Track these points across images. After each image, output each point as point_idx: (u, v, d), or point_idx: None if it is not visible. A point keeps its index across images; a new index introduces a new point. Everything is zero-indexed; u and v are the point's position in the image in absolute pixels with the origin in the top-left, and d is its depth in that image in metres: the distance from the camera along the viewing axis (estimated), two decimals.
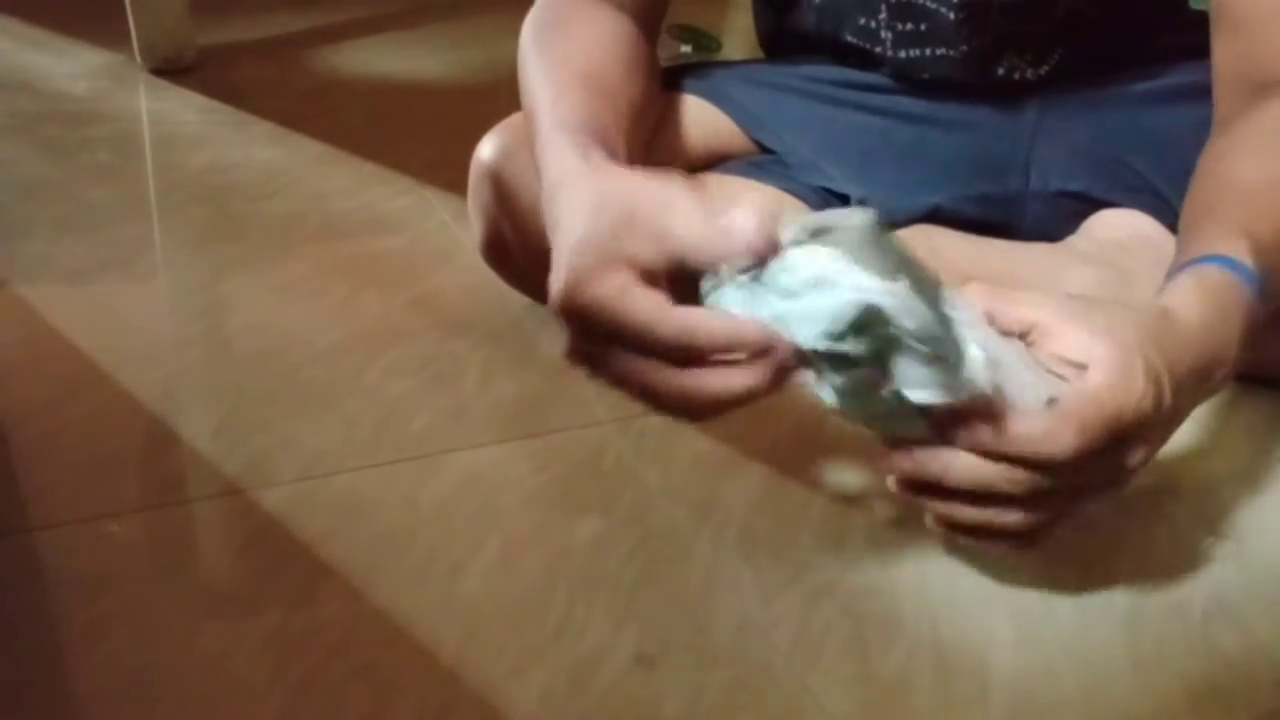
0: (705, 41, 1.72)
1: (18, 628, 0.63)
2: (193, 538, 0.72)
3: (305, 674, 0.59)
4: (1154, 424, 0.55)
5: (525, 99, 0.77)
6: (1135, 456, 0.56)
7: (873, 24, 0.91)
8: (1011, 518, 0.56)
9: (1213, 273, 0.61)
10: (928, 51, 0.90)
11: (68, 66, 1.67)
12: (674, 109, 0.92)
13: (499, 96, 1.02)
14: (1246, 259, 0.61)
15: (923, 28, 0.89)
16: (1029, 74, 0.90)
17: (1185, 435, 0.81)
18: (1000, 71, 0.90)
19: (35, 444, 0.79)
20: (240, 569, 0.69)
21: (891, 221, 0.90)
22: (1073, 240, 0.94)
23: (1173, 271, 0.63)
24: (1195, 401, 0.60)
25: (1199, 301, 0.59)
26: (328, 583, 0.66)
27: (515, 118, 0.90)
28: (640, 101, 0.78)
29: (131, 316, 0.97)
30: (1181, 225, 0.69)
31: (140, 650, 0.61)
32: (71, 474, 0.76)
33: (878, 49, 0.92)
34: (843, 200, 0.90)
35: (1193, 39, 0.87)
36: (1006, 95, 0.93)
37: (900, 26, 0.90)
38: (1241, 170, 0.68)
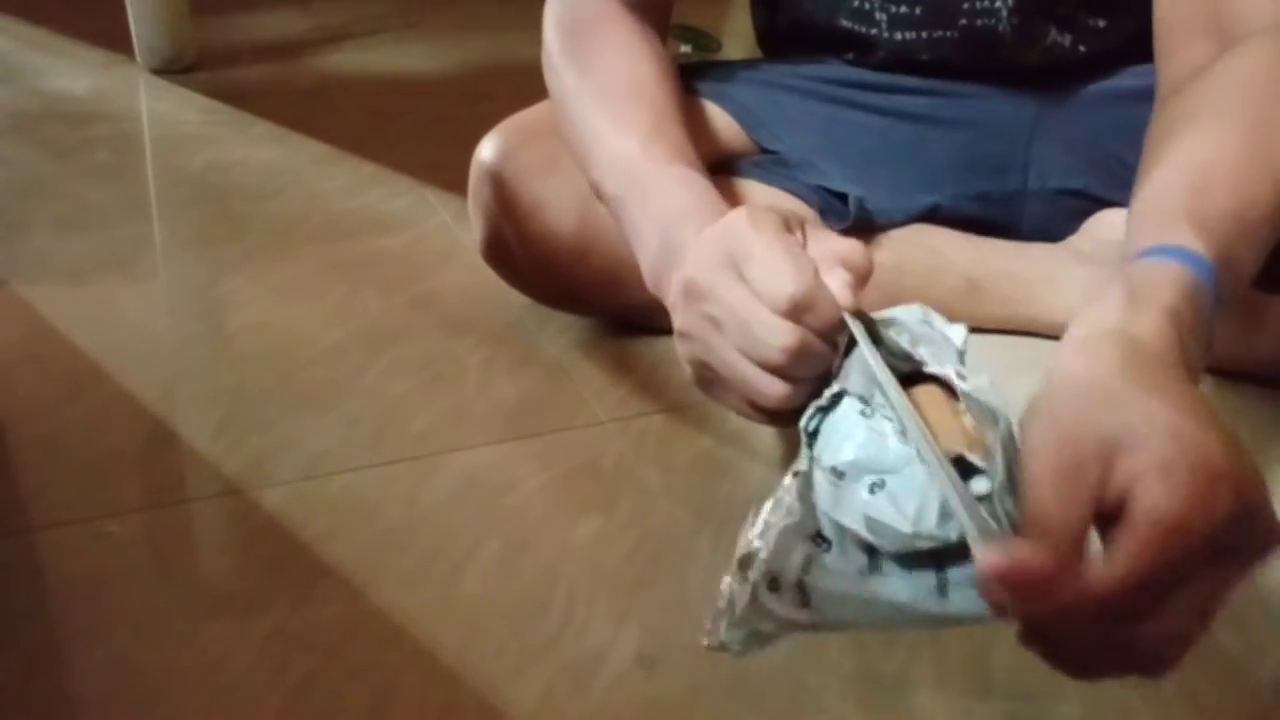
0: (705, 41, 1.72)
1: (18, 628, 0.63)
2: (193, 538, 0.72)
3: (305, 674, 0.59)
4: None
5: (571, 114, 0.77)
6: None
7: (868, 5, 0.91)
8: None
9: (1173, 270, 0.52)
10: (924, 34, 0.90)
11: (68, 66, 1.67)
12: None
13: (499, 96, 1.02)
14: (1191, 246, 0.53)
15: (918, 11, 0.89)
16: (1030, 53, 0.90)
17: None
18: (1001, 53, 0.90)
19: (35, 444, 0.79)
20: (240, 569, 0.69)
21: (890, 221, 0.91)
22: (1072, 240, 0.94)
23: (1128, 262, 0.55)
24: None
25: (1176, 314, 0.49)
26: (328, 583, 0.66)
27: (516, 118, 0.90)
28: (684, 112, 0.78)
29: (131, 316, 0.97)
30: (1131, 207, 0.61)
31: (140, 650, 0.61)
32: (71, 474, 0.76)
33: (873, 31, 0.92)
34: (841, 199, 0.90)
35: None
36: (1006, 86, 0.93)
37: (895, 9, 0.90)
38: (1193, 147, 0.61)
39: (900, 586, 0.46)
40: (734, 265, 0.53)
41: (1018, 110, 0.93)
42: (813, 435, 0.50)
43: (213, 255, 1.09)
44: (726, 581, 0.48)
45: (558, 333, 0.94)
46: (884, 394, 0.48)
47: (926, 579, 0.46)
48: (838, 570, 0.47)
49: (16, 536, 0.70)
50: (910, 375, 0.51)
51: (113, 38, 1.70)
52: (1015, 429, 0.46)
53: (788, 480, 0.48)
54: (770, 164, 0.92)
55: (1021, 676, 0.60)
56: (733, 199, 0.89)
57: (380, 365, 0.89)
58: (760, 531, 0.47)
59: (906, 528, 0.44)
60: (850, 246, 0.55)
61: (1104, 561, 0.41)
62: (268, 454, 0.78)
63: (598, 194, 0.74)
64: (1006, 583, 0.39)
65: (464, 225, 1.04)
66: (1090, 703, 0.59)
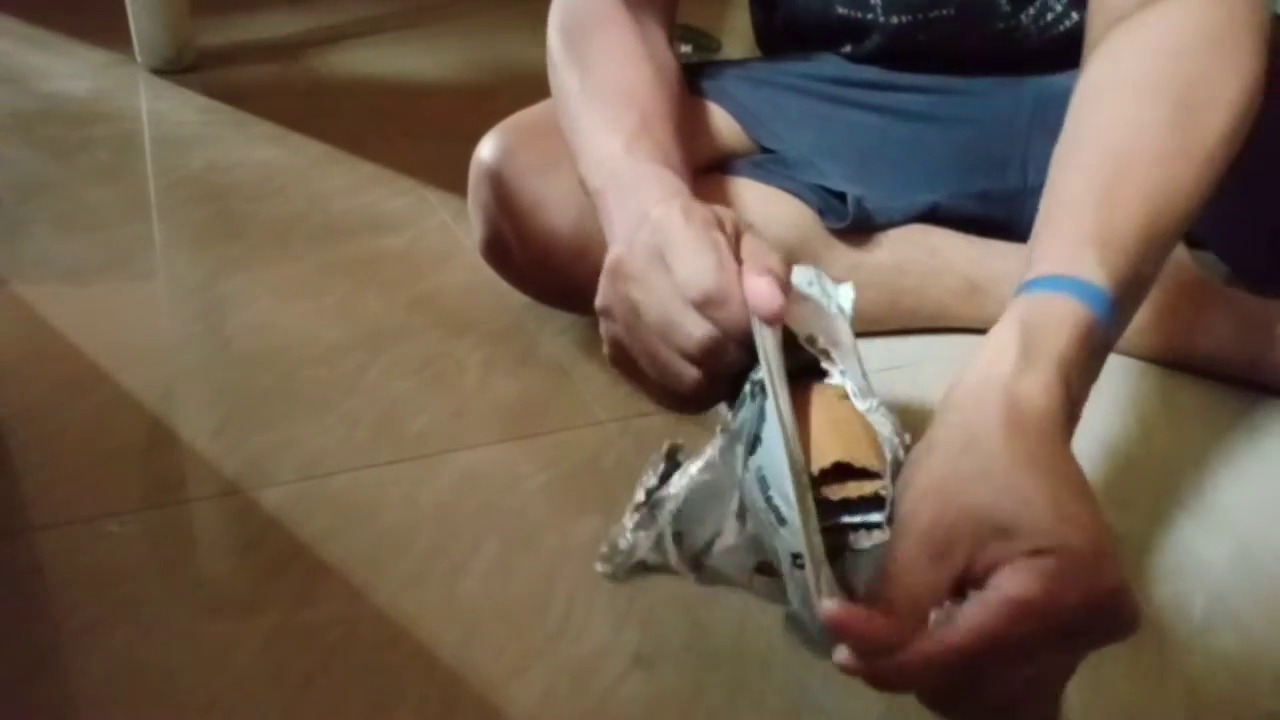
0: (705, 41, 1.72)
1: (18, 627, 0.63)
2: (193, 538, 0.72)
3: (305, 674, 0.60)
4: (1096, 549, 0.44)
5: (568, 113, 0.76)
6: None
7: None
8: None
9: (1070, 309, 0.51)
10: (920, 15, 0.90)
11: (68, 66, 1.67)
12: None
13: (499, 96, 1.02)
14: (1094, 277, 0.52)
15: None
16: (1027, 23, 0.90)
17: (1185, 436, 0.81)
18: (1000, 25, 0.90)
19: (35, 444, 0.79)
20: (240, 569, 0.69)
21: (890, 220, 0.91)
22: None
23: (1017, 290, 0.54)
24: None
25: (1039, 370, 0.48)
26: (328, 583, 0.66)
27: (515, 118, 0.90)
28: (678, 115, 0.78)
29: (131, 316, 0.97)
30: (1042, 203, 0.58)
31: (141, 650, 0.61)
32: (72, 474, 0.76)
33: (869, 16, 0.92)
34: (840, 199, 0.90)
35: None
36: (1003, 73, 0.93)
37: None
38: (1113, 130, 0.59)
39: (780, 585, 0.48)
40: (660, 254, 0.54)
41: (1016, 106, 0.93)
42: (751, 396, 0.50)
43: (212, 255, 1.09)
44: (630, 519, 0.51)
45: (558, 333, 0.94)
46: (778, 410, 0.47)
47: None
48: (733, 563, 0.50)
49: (17, 536, 0.70)
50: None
51: (113, 38, 1.70)
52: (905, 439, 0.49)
53: (716, 437, 0.50)
54: (769, 163, 0.92)
55: None
56: (732, 198, 0.89)
57: (380, 365, 0.89)
58: (676, 478, 0.50)
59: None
60: (776, 260, 0.54)
61: (949, 626, 0.42)
62: (268, 454, 0.78)
63: (584, 189, 0.74)
64: (841, 636, 0.43)
65: (464, 225, 1.04)
66: (1090, 704, 0.59)
